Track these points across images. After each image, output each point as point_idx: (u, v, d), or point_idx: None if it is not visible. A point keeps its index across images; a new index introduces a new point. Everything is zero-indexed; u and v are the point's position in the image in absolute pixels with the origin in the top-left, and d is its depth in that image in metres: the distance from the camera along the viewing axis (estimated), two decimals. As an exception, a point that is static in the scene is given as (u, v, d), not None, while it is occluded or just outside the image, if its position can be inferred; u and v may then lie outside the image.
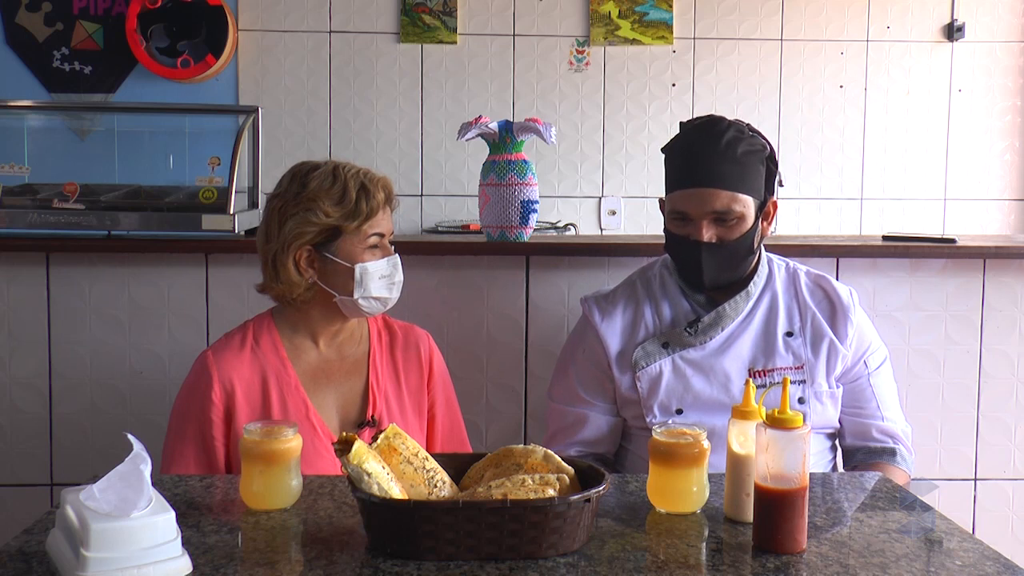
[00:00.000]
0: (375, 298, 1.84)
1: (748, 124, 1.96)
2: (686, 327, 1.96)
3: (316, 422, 1.81)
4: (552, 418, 2.08)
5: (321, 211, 1.79)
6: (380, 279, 1.83)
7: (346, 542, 1.32)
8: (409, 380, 1.92)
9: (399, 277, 1.87)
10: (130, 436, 1.26)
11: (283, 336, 1.87)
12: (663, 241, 2.00)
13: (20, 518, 2.24)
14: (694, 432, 1.44)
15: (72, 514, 1.18)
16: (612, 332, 2.00)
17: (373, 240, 1.84)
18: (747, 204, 1.90)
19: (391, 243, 1.90)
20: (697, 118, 1.99)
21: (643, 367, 1.96)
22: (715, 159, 1.88)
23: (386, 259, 1.85)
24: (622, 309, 2.03)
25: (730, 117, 1.98)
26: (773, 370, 1.94)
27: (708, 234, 1.89)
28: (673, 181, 1.95)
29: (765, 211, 1.96)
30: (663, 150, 2.00)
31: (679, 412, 1.93)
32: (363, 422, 1.85)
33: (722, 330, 1.96)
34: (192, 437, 1.79)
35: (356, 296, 1.81)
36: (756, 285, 1.98)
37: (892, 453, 2.00)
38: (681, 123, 2.00)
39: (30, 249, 2.33)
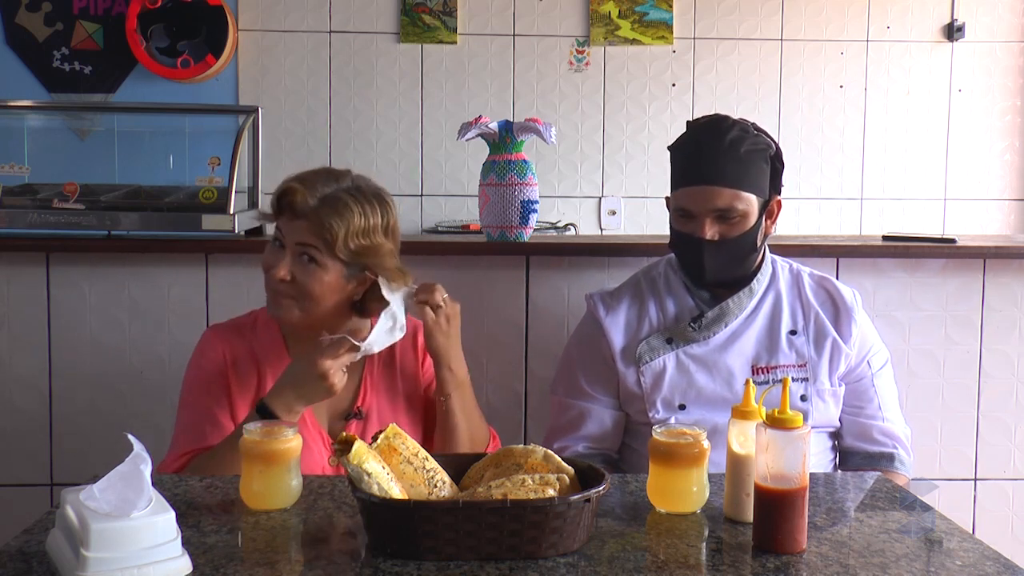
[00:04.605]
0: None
1: (754, 123, 1.97)
2: (690, 322, 1.96)
3: (304, 410, 1.82)
4: (555, 411, 2.08)
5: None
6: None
7: (346, 542, 1.32)
8: (405, 367, 1.92)
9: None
10: (130, 436, 1.26)
11: (283, 325, 1.88)
12: (663, 241, 2.01)
13: (20, 518, 2.22)
14: (694, 432, 1.44)
15: (72, 514, 1.18)
16: (616, 327, 2.01)
17: (273, 236, 1.79)
18: (750, 202, 1.90)
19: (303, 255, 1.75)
20: (703, 117, 2.00)
21: (647, 362, 1.96)
22: (718, 157, 1.88)
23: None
24: (627, 305, 2.03)
25: (735, 117, 1.98)
26: (776, 367, 1.95)
27: (711, 231, 1.90)
28: (678, 179, 1.96)
29: (769, 209, 1.96)
30: (669, 148, 2.00)
31: (682, 407, 1.94)
32: (350, 414, 1.85)
33: (725, 326, 1.96)
34: (213, 394, 1.80)
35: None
36: (759, 282, 1.99)
37: (891, 458, 2.00)
38: (688, 122, 2.01)
39: (30, 249, 2.33)
